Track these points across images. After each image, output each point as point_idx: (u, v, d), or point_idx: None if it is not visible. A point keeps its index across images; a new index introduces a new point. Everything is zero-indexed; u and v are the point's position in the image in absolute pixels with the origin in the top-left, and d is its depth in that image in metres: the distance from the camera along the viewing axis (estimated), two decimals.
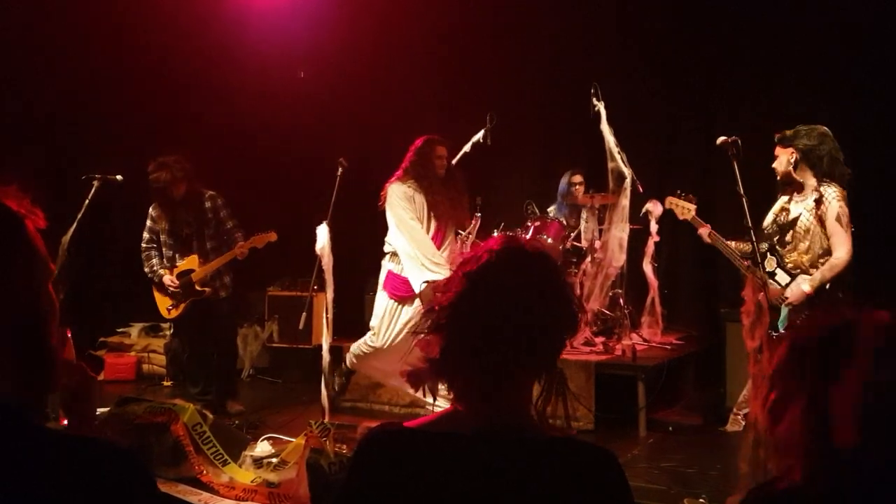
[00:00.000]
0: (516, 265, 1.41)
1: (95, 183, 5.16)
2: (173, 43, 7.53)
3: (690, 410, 6.05)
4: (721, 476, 4.40)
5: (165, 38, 7.48)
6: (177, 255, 5.91)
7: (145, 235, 5.95)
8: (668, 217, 5.47)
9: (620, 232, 6.02)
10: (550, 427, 1.45)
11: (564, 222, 7.05)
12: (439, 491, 1.32)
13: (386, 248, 5.42)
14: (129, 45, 7.40)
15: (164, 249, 5.95)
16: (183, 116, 7.74)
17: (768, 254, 4.46)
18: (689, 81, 7.37)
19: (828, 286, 4.30)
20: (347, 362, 5.69)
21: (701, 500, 3.97)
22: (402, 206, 5.27)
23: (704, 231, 4.75)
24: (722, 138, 4.19)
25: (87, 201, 5.06)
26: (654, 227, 5.84)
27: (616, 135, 5.95)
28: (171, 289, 5.84)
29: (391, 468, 1.36)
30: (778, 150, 4.45)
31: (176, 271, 5.89)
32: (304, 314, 5.43)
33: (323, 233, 5.03)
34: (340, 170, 5.31)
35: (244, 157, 7.97)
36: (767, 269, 4.39)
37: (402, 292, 5.26)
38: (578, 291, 6.30)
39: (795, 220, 4.41)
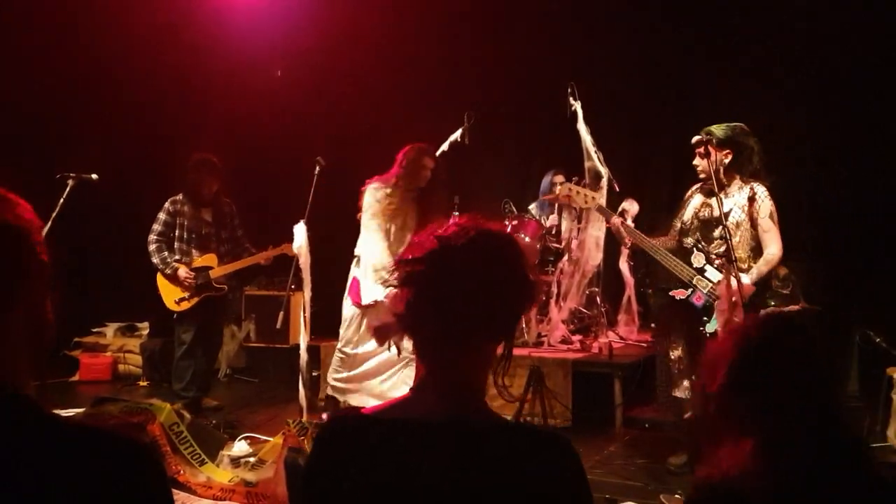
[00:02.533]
0: (483, 238, 1.49)
1: (70, 182, 5.10)
2: (150, 42, 7.47)
3: (666, 407, 6.09)
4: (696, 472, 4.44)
5: (142, 35, 7.42)
6: (194, 251, 5.92)
7: (157, 227, 5.88)
8: (644, 216, 5.52)
9: (597, 231, 6.06)
10: (508, 395, 1.54)
11: (545, 221, 7.10)
12: (395, 477, 1.35)
13: (356, 252, 5.38)
14: (105, 45, 7.33)
15: (178, 244, 5.90)
16: (159, 115, 7.69)
17: (695, 249, 4.32)
18: (666, 81, 7.44)
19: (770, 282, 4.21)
20: (329, 391, 5.58)
21: (677, 496, 4.01)
22: (372, 212, 5.20)
23: (616, 221, 4.57)
24: (697, 137, 4.22)
25: (61, 200, 5.01)
26: (630, 225, 5.88)
27: (593, 134, 5.99)
28: (188, 282, 5.82)
29: (349, 456, 1.39)
30: (708, 149, 4.22)
31: (193, 265, 5.88)
32: (281, 313, 5.41)
33: (300, 231, 5.02)
34: (318, 168, 5.30)
35: (221, 155, 7.92)
36: (696, 266, 4.27)
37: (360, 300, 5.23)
38: (555, 290, 6.33)
39: (727, 214, 4.22)
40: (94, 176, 5.31)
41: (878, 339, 5.56)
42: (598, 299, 6.58)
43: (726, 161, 4.28)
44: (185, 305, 5.88)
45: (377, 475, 1.35)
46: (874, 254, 6.24)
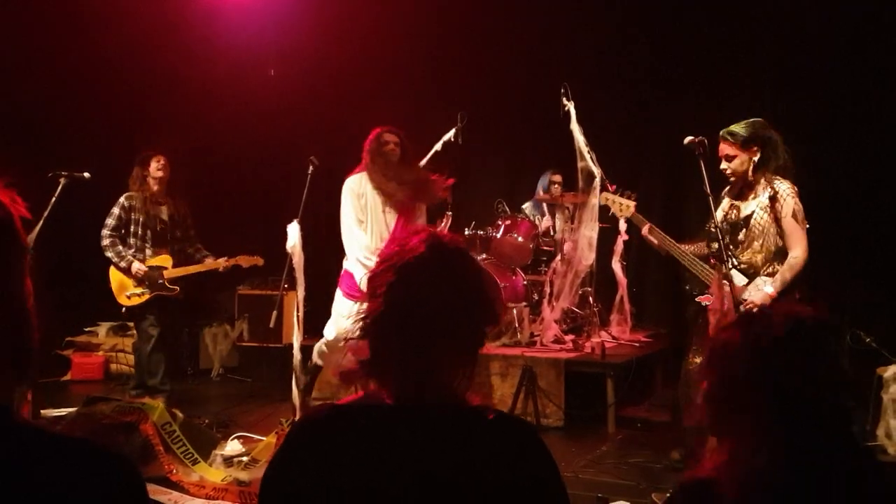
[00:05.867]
0: (437, 265, 1.47)
1: (62, 180, 5.09)
2: (142, 40, 7.45)
3: (658, 407, 6.12)
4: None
5: (134, 35, 7.40)
6: (147, 249, 6.00)
7: (111, 222, 5.97)
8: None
9: (590, 231, 6.07)
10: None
11: (539, 221, 7.12)
12: (369, 460, 1.36)
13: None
14: (98, 43, 7.30)
15: (133, 240, 6.01)
16: (152, 114, 7.67)
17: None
18: (659, 81, 7.45)
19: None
20: (314, 359, 5.64)
21: (668, 495, 4.01)
22: (345, 203, 5.29)
23: (645, 228, 4.49)
24: (689, 138, 4.18)
25: (53, 199, 5.00)
26: (623, 225, 5.89)
27: (586, 134, 6.00)
28: (139, 275, 5.90)
29: (323, 444, 1.40)
30: (734, 150, 4.17)
31: (147, 263, 5.96)
32: (274, 313, 5.42)
33: (294, 231, 5.01)
34: (311, 168, 5.31)
35: (214, 154, 7.92)
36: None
37: (354, 291, 5.24)
38: (548, 290, 6.35)
39: (749, 217, 4.17)
40: (87, 174, 5.31)
41: (868, 340, 5.58)
42: (590, 299, 6.60)
43: (755, 159, 4.14)
44: (136, 301, 5.95)
45: (350, 460, 1.37)
46: (865, 254, 6.27)
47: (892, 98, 6.10)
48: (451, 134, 5.89)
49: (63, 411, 5.31)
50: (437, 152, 5.87)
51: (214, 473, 4.27)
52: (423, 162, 5.77)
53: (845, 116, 6.33)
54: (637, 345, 6.47)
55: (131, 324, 7.75)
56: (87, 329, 7.82)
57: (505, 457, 1.38)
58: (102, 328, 7.80)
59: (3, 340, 1.11)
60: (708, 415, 1.58)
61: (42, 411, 5.43)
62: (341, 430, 1.41)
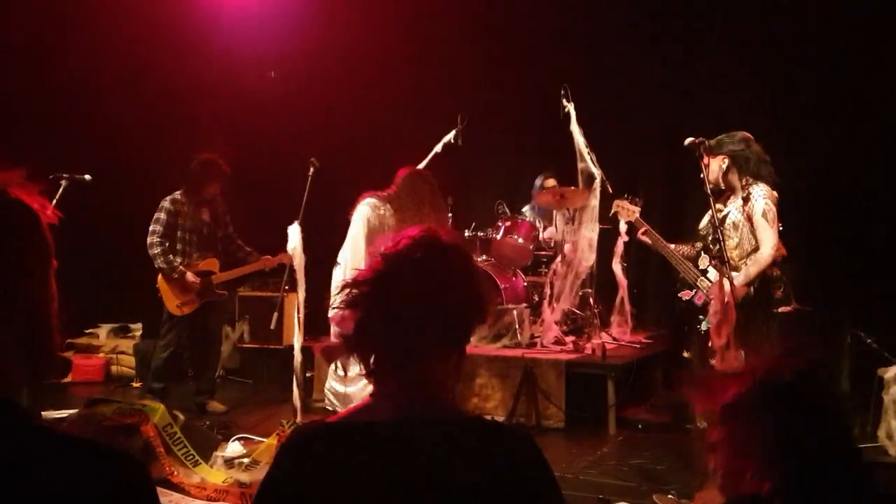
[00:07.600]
0: (431, 253, 1.49)
1: (64, 182, 5.08)
2: (142, 40, 7.46)
3: (659, 408, 6.12)
4: (689, 472, 4.46)
5: (136, 36, 7.40)
6: (195, 254, 5.93)
7: (159, 228, 5.84)
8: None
9: (590, 232, 6.07)
10: (462, 407, 1.53)
11: (539, 223, 7.12)
12: (364, 479, 1.35)
13: (339, 259, 5.27)
14: (99, 45, 7.31)
15: (179, 245, 5.89)
16: (153, 116, 7.67)
17: (702, 252, 4.49)
18: (660, 83, 7.45)
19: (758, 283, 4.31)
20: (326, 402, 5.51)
21: (670, 496, 4.02)
22: (360, 227, 5.12)
23: (641, 230, 4.76)
24: (690, 139, 4.23)
25: (54, 201, 4.99)
26: (623, 227, 5.90)
27: (586, 135, 6.00)
28: (194, 286, 5.83)
29: (314, 463, 1.38)
30: (708, 159, 4.36)
31: (196, 269, 5.88)
32: (275, 314, 5.42)
33: (294, 233, 5.01)
34: (312, 169, 5.30)
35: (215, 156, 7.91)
36: (700, 267, 4.45)
37: None
38: (549, 291, 6.35)
39: (725, 217, 4.41)
40: (88, 177, 5.30)
41: (868, 340, 5.58)
42: (591, 300, 6.59)
43: (724, 166, 4.40)
44: (187, 310, 5.90)
45: (344, 480, 1.35)
46: (865, 255, 6.27)
47: (892, 98, 6.10)
48: (451, 136, 5.90)
49: (64, 413, 5.31)
50: (436, 154, 5.87)
51: (215, 475, 4.27)
52: (423, 164, 5.77)
53: (845, 116, 6.33)
54: (638, 346, 6.47)
55: (133, 325, 7.78)
56: (87, 331, 7.83)
57: (504, 467, 1.37)
58: (103, 330, 7.80)
59: (16, 340, 1.12)
60: (719, 468, 1.59)
61: (43, 413, 5.43)
62: (333, 449, 1.39)
